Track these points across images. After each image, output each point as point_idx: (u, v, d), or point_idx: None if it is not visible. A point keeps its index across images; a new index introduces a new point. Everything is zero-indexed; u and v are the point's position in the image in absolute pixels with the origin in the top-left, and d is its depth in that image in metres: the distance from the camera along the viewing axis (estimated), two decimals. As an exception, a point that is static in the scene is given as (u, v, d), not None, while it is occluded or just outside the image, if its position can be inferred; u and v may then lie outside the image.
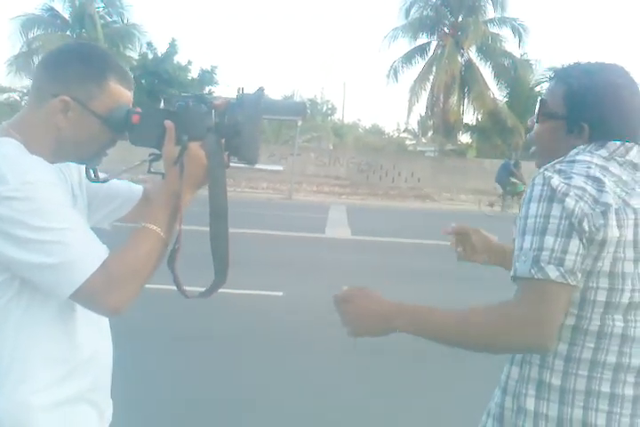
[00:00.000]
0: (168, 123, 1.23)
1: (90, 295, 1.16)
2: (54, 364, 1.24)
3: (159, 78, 25.04)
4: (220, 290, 1.31)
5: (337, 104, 50.54)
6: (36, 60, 24.73)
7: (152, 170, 1.31)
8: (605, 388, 1.24)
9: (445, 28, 26.23)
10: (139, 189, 1.57)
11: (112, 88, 1.26)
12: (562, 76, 1.40)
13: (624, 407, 1.25)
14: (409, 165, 24.02)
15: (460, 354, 1.48)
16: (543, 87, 25.15)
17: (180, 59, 26.70)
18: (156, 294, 5.61)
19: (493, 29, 25.84)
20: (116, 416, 1.46)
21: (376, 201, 20.19)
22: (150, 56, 26.22)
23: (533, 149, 1.49)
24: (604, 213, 1.20)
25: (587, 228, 1.19)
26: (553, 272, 1.19)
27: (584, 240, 1.20)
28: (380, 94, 63.22)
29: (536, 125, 1.45)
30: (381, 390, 3.95)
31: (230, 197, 1.28)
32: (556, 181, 1.22)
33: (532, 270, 1.20)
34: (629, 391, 1.25)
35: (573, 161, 1.27)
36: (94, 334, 1.33)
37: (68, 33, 25.88)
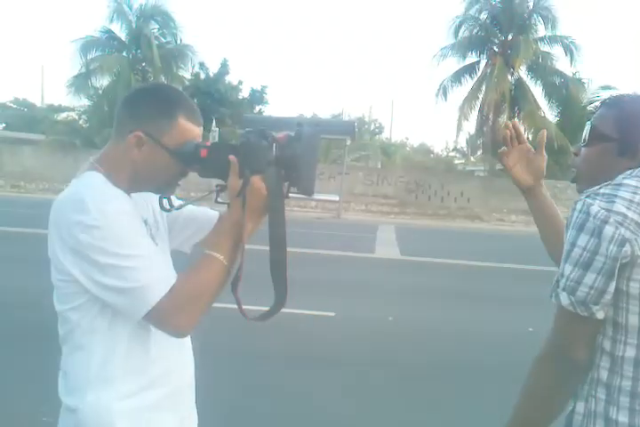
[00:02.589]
0: (232, 158, 1.31)
1: (158, 317, 1.27)
2: (133, 375, 1.36)
3: (211, 98, 25.55)
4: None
5: (385, 123, 50.53)
6: (94, 80, 25.70)
7: (219, 200, 1.39)
8: None
9: (495, 47, 26.04)
10: (215, 214, 1.65)
11: (181, 124, 1.35)
12: (612, 102, 1.43)
13: None
14: (458, 185, 23.80)
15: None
16: (595, 106, 24.74)
17: (231, 78, 27.31)
18: (215, 313, 5.76)
19: (544, 48, 25.51)
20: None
21: (425, 221, 20.07)
22: (202, 76, 26.83)
23: (574, 173, 1.50)
24: None
25: (629, 252, 1.19)
26: (565, 300, 1.25)
27: (614, 270, 1.20)
28: (428, 113, 63.22)
29: (583, 149, 1.46)
30: (435, 408, 3.93)
31: None
32: (596, 208, 1.23)
33: (552, 294, 1.28)
34: None
35: (620, 184, 1.27)
36: (171, 350, 1.43)
37: (124, 54, 26.72)
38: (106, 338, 1.33)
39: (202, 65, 27.17)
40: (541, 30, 25.54)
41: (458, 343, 5.51)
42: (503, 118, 25.05)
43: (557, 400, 1.30)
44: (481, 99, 25.70)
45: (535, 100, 25.07)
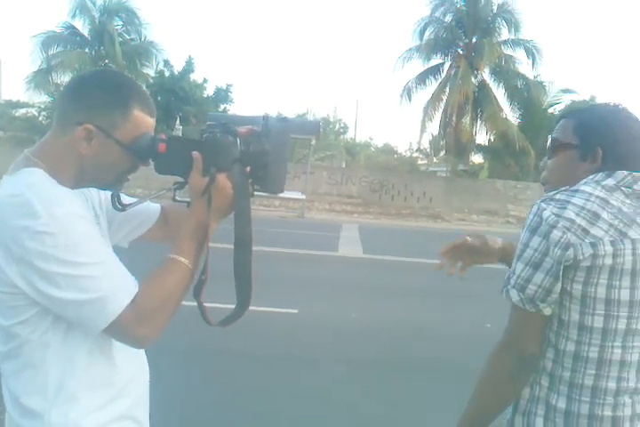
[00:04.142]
0: (195, 154, 1.23)
1: (121, 329, 1.17)
2: (99, 389, 1.26)
3: (175, 96, 25.29)
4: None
5: (349, 123, 50.75)
6: (55, 76, 25.20)
7: (177, 198, 1.32)
8: (608, 412, 1.31)
9: (459, 50, 26.40)
10: (156, 207, 1.56)
11: (136, 116, 1.25)
12: (570, 114, 1.51)
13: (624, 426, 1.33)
14: (421, 185, 24.04)
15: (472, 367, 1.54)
16: (556, 109, 25.31)
17: (196, 77, 27.02)
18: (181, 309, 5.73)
19: (507, 51, 25.96)
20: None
21: (388, 220, 20.21)
22: (167, 74, 26.51)
23: (546, 185, 1.53)
24: (594, 244, 1.26)
25: (572, 255, 1.26)
26: (515, 296, 1.33)
27: (559, 272, 1.28)
28: (392, 113, 63.80)
29: (549, 162, 1.52)
30: (393, 405, 3.98)
31: None
32: (548, 213, 1.31)
33: (503, 290, 1.36)
34: (628, 412, 1.33)
35: (576, 191, 1.34)
36: (132, 356, 1.34)
37: (86, 50, 26.28)
38: (61, 353, 1.22)
39: (166, 63, 26.88)
40: (505, 34, 26.04)
41: (419, 340, 5.58)
42: (466, 120, 25.41)
43: (510, 390, 1.38)
44: (445, 100, 26.02)
45: (498, 103, 25.47)
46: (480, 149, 27.38)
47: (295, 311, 6.38)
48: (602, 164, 1.39)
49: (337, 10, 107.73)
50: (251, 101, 78.50)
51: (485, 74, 26.22)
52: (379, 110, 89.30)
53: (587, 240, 1.26)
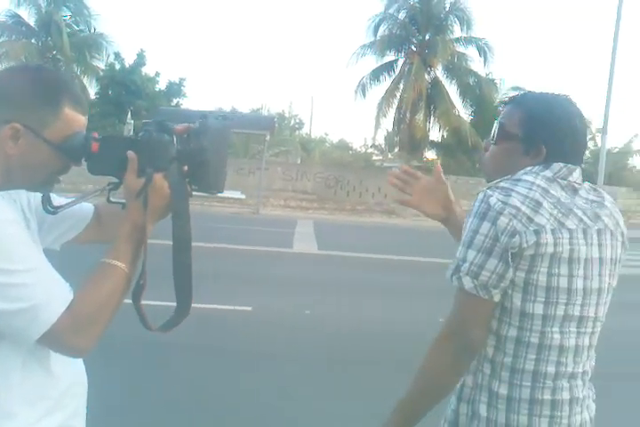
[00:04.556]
0: (131, 154, 1.17)
1: (56, 339, 1.10)
2: (36, 402, 1.19)
3: (126, 89, 24.81)
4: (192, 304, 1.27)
5: (305, 118, 50.67)
6: (0, 67, 24.38)
7: (112, 199, 1.25)
8: (547, 395, 1.35)
9: (413, 46, 26.62)
10: (89, 208, 1.47)
11: (67, 114, 1.18)
12: (519, 101, 1.49)
13: (563, 410, 1.36)
14: (376, 181, 24.13)
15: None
16: (504, 102, 25.69)
17: (147, 70, 26.56)
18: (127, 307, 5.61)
19: (460, 48, 26.33)
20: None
21: (343, 216, 20.26)
22: (118, 67, 25.99)
23: (485, 170, 1.56)
24: (537, 233, 1.29)
25: (517, 243, 1.28)
26: (468, 283, 1.32)
27: (508, 258, 1.29)
28: (347, 109, 63.83)
29: (492, 147, 1.52)
30: (346, 400, 3.95)
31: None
32: (494, 199, 1.32)
33: (453, 277, 1.35)
34: (566, 396, 1.37)
35: (519, 180, 1.36)
36: (68, 366, 1.26)
37: (32, 41, 25.54)
38: None
39: (117, 55, 26.33)
40: (457, 31, 26.37)
41: (371, 335, 5.57)
42: (420, 116, 25.67)
43: (453, 376, 1.38)
44: (398, 97, 26.24)
45: (450, 99, 25.81)
46: (433, 145, 27.71)
47: (249, 309, 6.30)
48: (545, 159, 1.40)
49: (293, 5, 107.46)
50: (205, 96, 77.81)
51: (438, 71, 26.55)
52: (334, 106, 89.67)
53: (531, 228, 1.28)
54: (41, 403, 1.20)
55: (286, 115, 44.04)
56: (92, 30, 26.77)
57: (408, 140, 25.89)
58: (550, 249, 1.29)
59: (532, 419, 1.34)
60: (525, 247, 1.27)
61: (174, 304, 1.24)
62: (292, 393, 4.08)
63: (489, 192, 1.34)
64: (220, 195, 1.30)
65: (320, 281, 8.10)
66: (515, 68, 66.84)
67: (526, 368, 1.34)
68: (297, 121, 46.12)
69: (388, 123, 27.59)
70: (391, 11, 26.45)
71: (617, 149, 28.78)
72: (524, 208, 1.29)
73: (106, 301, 1.15)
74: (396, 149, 30.45)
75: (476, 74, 25.97)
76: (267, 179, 22.13)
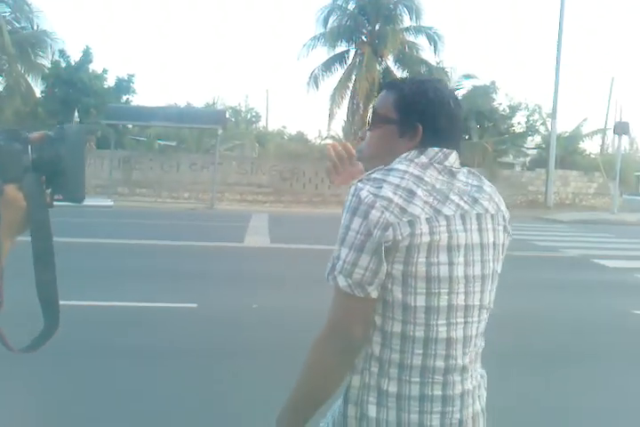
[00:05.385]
0: None
1: None
2: None
3: (74, 87, 24.21)
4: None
5: (262, 112, 50.36)
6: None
7: None
8: (438, 391, 1.32)
9: (363, 37, 26.65)
10: None
11: None
12: (391, 85, 1.47)
13: (454, 405, 1.33)
14: (332, 172, 24.16)
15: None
16: (459, 94, 26.03)
17: (95, 67, 25.96)
18: (73, 310, 5.48)
19: (410, 38, 26.45)
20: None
21: (300, 208, 20.26)
22: (63, 64, 25.35)
23: (364, 157, 1.52)
24: (411, 223, 1.24)
25: (391, 236, 1.24)
26: (342, 282, 1.28)
27: (382, 253, 1.25)
28: (303, 101, 63.56)
29: (368, 133, 1.48)
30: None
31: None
32: (365, 192, 1.27)
33: (330, 277, 1.31)
34: (458, 390, 1.34)
35: (390, 170, 1.32)
36: None
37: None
38: None
39: (62, 53, 25.64)
40: (407, 21, 26.47)
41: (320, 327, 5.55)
42: (373, 106, 25.70)
43: (337, 376, 1.34)
44: (351, 87, 26.25)
45: (402, 89, 25.90)
46: (389, 134, 27.79)
47: (194, 306, 6.22)
48: (421, 141, 1.37)
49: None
50: (156, 92, 76.65)
51: (390, 61, 26.66)
52: (290, 99, 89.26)
53: (404, 219, 1.24)
54: None
55: (242, 108, 43.70)
56: (35, 27, 26.04)
57: (361, 130, 25.95)
58: (426, 238, 1.25)
59: (424, 416, 1.30)
60: (400, 239, 1.24)
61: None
62: (241, 388, 4.05)
63: (360, 185, 1.29)
64: (88, 203, 1.22)
65: (270, 275, 8.05)
66: (465, 57, 67.36)
67: (414, 364, 1.30)
68: (253, 114, 45.81)
69: (342, 113, 27.64)
70: (340, 2, 26.42)
71: (567, 134, 29.27)
72: (396, 199, 1.25)
73: None
74: (353, 140, 30.50)
75: (427, 63, 26.14)
76: (221, 173, 21.97)
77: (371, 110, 1.48)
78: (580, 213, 22.25)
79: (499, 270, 1.42)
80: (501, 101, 28.13)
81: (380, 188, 1.27)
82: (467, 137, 25.82)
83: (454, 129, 1.40)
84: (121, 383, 4.10)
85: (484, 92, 26.09)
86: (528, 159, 31.67)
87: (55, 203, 1.18)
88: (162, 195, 21.58)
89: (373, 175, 1.31)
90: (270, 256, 10.00)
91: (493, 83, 27.29)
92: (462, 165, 1.41)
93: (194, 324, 5.63)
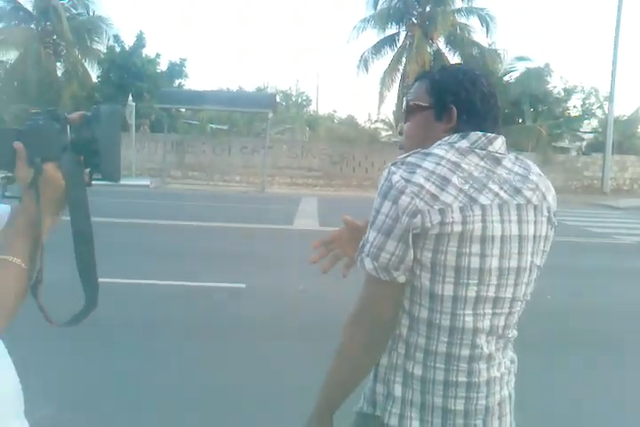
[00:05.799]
0: (17, 144, 1.14)
1: None
2: None
3: (128, 72, 24.74)
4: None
5: (312, 95, 50.38)
6: (0, 54, 24.40)
7: (7, 194, 1.21)
8: (462, 378, 1.31)
9: (414, 19, 26.25)
10: (4, 209, 1.42)
11: None
12: (422, 75, 1.48)
13: (480, 391, 1.33)
14: (382, 156, 24.02)
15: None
16: (512, 76, 25.48)
17: (148, 52, 26.44)
18: (128, 288, 5.67)
19: (461, 19, 25.93)
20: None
21: (349, 192, 20.25)
22: (118, 49, 25.90)
23: (402, 149, 1.48)
24: (442, 211, 1.21)
25: (419, 223, 1.21)
26: (369, 265, 1.28)
27: (409, 239, 1.23)
28: (353, 85, 63.25)
29: (405, 125, 1.48)
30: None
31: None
32: (397, 177, 1.25)
33: (358, 258, 1.31)
34: (483, 377, 1.33)
35: (428, 154, 1.28)
36: None
37: (32, 26, 25.46)
38: None
39: (117, 38, 26.24)
40: (458, 2, 25.92)
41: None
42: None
43: (369, 358, 1.36)
44: (401, 70, 25.96)
45: (453, 71, 25.47)
46: (439, 118, 27.42)
47: (243, 286, 6.37)
48: (457, 123, 1.36)
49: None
50: (208, 76, 77.33)
51: (440, 43, 26.23)
52: (340, 83, 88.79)
53: (435, 207, 1.21)
54: None
55: (293, 92, 43.84)
56: (92, 13, 26.63)
57: (412, 113, 25.67)
58: (458, 228, 1.21)
59: (448, 400, 1.31)
60: (429, 227, 1.21)
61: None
62: (285, 369, 4.13)
63: (393, 168, 1.27)
64: (125, 182, 1.26)
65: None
66: (518, 39, 65.63)
67: (439, 350, 1.29)
68: (304, 98, 45.90)
69: (392, 97, 27.40)
70: (390, -17, 26.05)
71: (625, 117, 28.34)
72: (428, 186, 1.22)
73: (3, 297, 1.12)
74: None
75: (478, 45, 25.60)
76: (272, 157, 22.15)
77: (404, 103, 1.48)
78: (638, 200, 21.60)
79: (539, 263, 1.37)
80: (556, 84, 27.43)
81: (413, 173, 1.24)
82: (520, 120, 25.30)
83: (490, 109, 1.38)
84: (175, 359, 4.26)
85: (537, 75, 25.41)
86: (584, 144, 30.82)
87: (93, 182, 1.21)
88: (213, 178, 21.89)
89: (409, 159, 1.29)
90: (318, 239, 10.07)
91: (547, 65, 26.57)
92: (515, 149, 1.38)
93: (242, 303, 5.79)
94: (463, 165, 1.27)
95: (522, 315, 1.40)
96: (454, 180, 1.24)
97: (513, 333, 1.39)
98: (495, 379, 1.35)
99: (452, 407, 1.31)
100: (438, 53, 25.92)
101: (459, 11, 25.83)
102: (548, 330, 4.99)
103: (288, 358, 4.33)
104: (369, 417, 1.40)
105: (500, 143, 1.33)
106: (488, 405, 1.33)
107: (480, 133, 1.32)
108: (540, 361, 4.08)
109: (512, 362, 1.43)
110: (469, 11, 25.73)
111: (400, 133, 1.52)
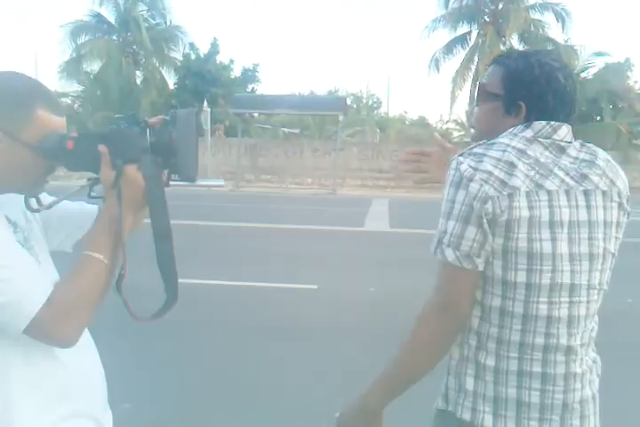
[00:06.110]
0: (102, 147, 1.21)
1: (40, 330, 1.15)
2: (43, 390, 1.24)
3: (202, 78, 25.49)
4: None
5: (383, 97, 50.21)
6: (85, 65, 25.66)
7: (92, 194, 1.29)
8: (537, 368, 1.30)
9: (486, 17, 25.84)
10: (92, 209, 1.47)
11: (40, 117, 1.21)
12: (500, 61, 1.44)
13: (557, 385, 1.30)
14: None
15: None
16: (589, 73, 24.68)
17: (222, 58, 27.20)
18: (200, 288, 5.90)
19: (535, 16, 25.32)
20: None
21: (421, 194, 20.06)
22: (193, 57, 26.72)
23: (473, 132, 1.52)
24: (511, 196, 1.23)
25: (490, 209, 1.23)
26: (450, 255, 1.29)
27: (485, 225, 1.25)
28: (424, 86, 62.84)
29: (476, 109, 1.48)
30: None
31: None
32: (465, 166, 1.28)
33: (437, 250, 1.32)
34: (561, 370, 1.31)
35: (493, 144, 1.31)
36: (79, 353, 1.29)
37: (114, 37, 26.61)
38: None
39: (192, 45, 27.09)
40: (532, -2, 25.32)
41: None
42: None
43: (440, 351, 1.36)
44: (474, 69, 25.59)
45: (528, 69, 24.89)
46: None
47: (315, 287, 6.50)
48: (525, 120, 1.36)
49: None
50: (280, 80, 78.28)
51: (514, 40, 25.66)
52: (411, 83, 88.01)
53: (504, 192, 1.23)
54: (49, 391, 1.25)
55: (363, 95, 43.83)
56: (169, 23, 27.56)
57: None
58: (525, 213, 1.23)
59: (522, 391, 1.29)
60: (499, 213, 1.23)
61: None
62: (353, 369, 4.20)
63: (460, 159, 1.29)
64: (201, 183, 1.34)
65: (388, 259, 8.18)
66: (596, 34, 63.04)
67: (512, 339, 1.29)
68: (374, 100, 45.80)
69: (464, 96, 27.04)
70: (461, -18, 25.72)
71: None
72: (496, 172, 1.24)
73: (86, 291, 1.20)
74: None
75: (554, 41, 24.90)
76: (343, 159, 22.28)
77: (478, 85, 1.47)
78: None
79: (612, 250, 1.35)
80: (637, 79, 26.35)
81: (481, 162, 1.27)
82: (597, 118, 24.46)
83: (562, 105, 1.36)
84: (250, 359, 4.41)
85: (617, 70, 24.49)
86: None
87: (171, 182, 1.28)
88: (286, 181, 22.24)
89: (475, 150, 1.31)
90: (389, 241, 10.11)
91: (628, 60, 25.58)
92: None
93: (314, 304, 5.90)
94: (529, 152, 1.29)
95: (601, 318, 1.39)
96: (520, 165, 1.26)
97: (594, 326, 1.37)
98: (575, 375, 1.32)
99: (527, 400, 1.29)
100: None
101: (532, 7, 25.24)
102: (629, 335, 4.90)
103: (359, 359, 4.39)
104: (444, 413, 1.40)
105: (565, 131, 1.34)
106: (566, 401, 1.31)
107: (544, 122, 1.33)
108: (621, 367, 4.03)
109: (594, 362, 1.40)
110: (544, 6, 25.10)
111: (471, 114, 1.57)
